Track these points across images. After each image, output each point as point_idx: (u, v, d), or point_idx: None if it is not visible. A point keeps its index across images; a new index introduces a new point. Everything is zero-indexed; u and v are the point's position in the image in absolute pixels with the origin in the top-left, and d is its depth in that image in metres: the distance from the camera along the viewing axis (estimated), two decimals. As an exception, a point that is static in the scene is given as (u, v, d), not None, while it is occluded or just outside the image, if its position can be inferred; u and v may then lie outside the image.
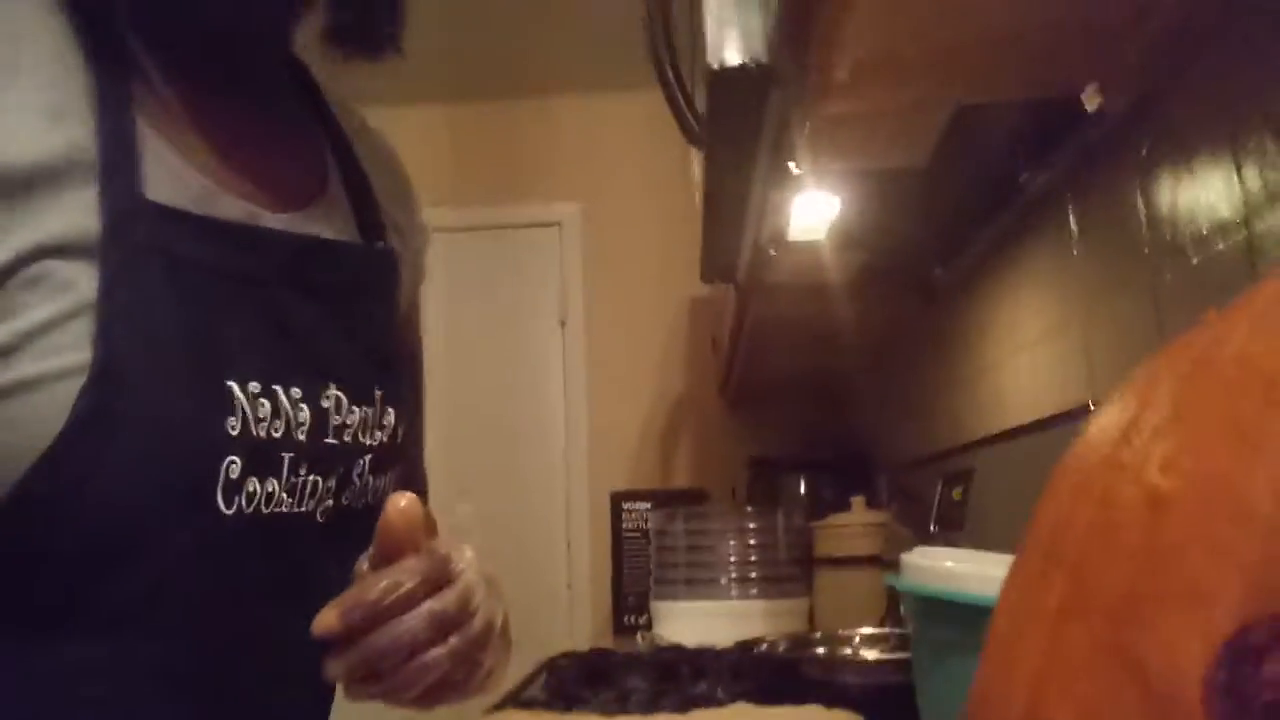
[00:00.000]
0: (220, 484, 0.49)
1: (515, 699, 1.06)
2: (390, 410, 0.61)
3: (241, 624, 0.54)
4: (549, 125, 2.98)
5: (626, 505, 2.15)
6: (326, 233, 0.59)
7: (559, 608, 2.73)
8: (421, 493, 0.74)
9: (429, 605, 0.49)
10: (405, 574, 0.49)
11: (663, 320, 2.90)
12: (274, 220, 0.56)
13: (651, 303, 2.89)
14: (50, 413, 0.44)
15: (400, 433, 0.63)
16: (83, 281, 0.46)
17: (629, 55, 2.28)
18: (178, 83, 0.54)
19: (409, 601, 0.48)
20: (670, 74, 1.04)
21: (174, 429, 0.48)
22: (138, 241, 0.48)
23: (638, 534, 2.11)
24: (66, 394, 0.45)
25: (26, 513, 0.45)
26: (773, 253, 1.36)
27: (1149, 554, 0.21)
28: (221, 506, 0.49)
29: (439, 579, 0.50)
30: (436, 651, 0.49)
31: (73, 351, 0.45)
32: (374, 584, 0.48)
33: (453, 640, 0.50)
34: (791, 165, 1.00)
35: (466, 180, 2.86)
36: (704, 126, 0.95)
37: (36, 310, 0.45)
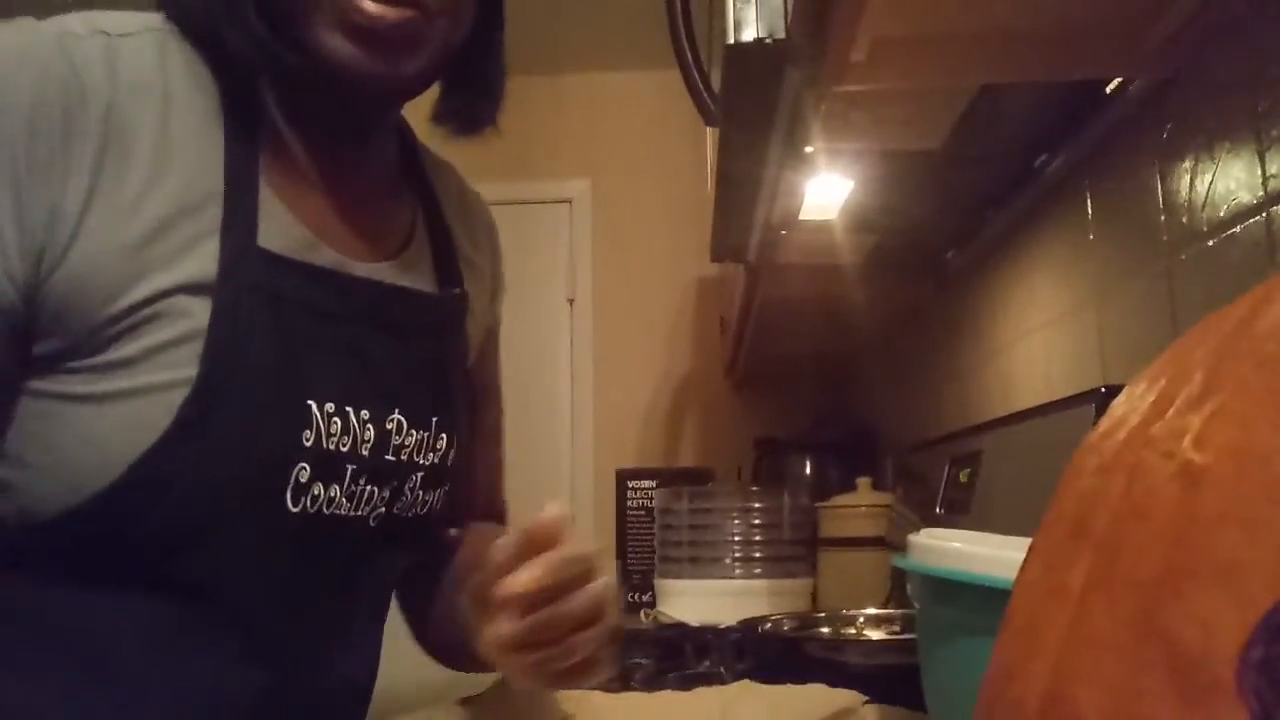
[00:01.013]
0: (290, 486, 0.58)
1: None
2: (444, 436, 0.69)
3: (297, 603, 0.62)
4: (560, 102, 2.96)
5: (632, 483, 2.15)
6: (406, 282, 0.68)
7: (563, 584, 2.75)
8: (500, 516, 0.86)
9: (590, 589, 0.55)
10: (574, 561, 0.55)
11: (671, 299, 2.89)
12: (362, 269, 0.65)
13: (660, 281, 2.89)
14: (159, 415, 0.53)
15: (451, 456, 0.71)
16: (198, 312, 0.55)
17: (641, 34, 2.26)
18: (301, 142, 0.63)
19: (575, 583, 0.55)
20: (688, 53, 1.04)
21: (257, 438, 0.56)
22: (247, 282, 0.57)
23: (643, 512, 2.11)
24: (172, 402, 0.54)
25: (129, 495, 0.53)
26: (784, 233, 1.35)
27: (1182, 528, 0.20)
28: (289, 505, 0.58)
29: (590, 571, 0.56)
30: (591, 632, 0.56)
31: (183, 368, 0.54)
32: (551, 562, 0.54)
33: (600, 626, 0.57)
34: (807, 147, 0.99)
35: (476, 156, 2.84)
36: (719, 104, 0.94)
37: (159, 333, 0.54)
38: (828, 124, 0.97)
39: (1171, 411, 0.22)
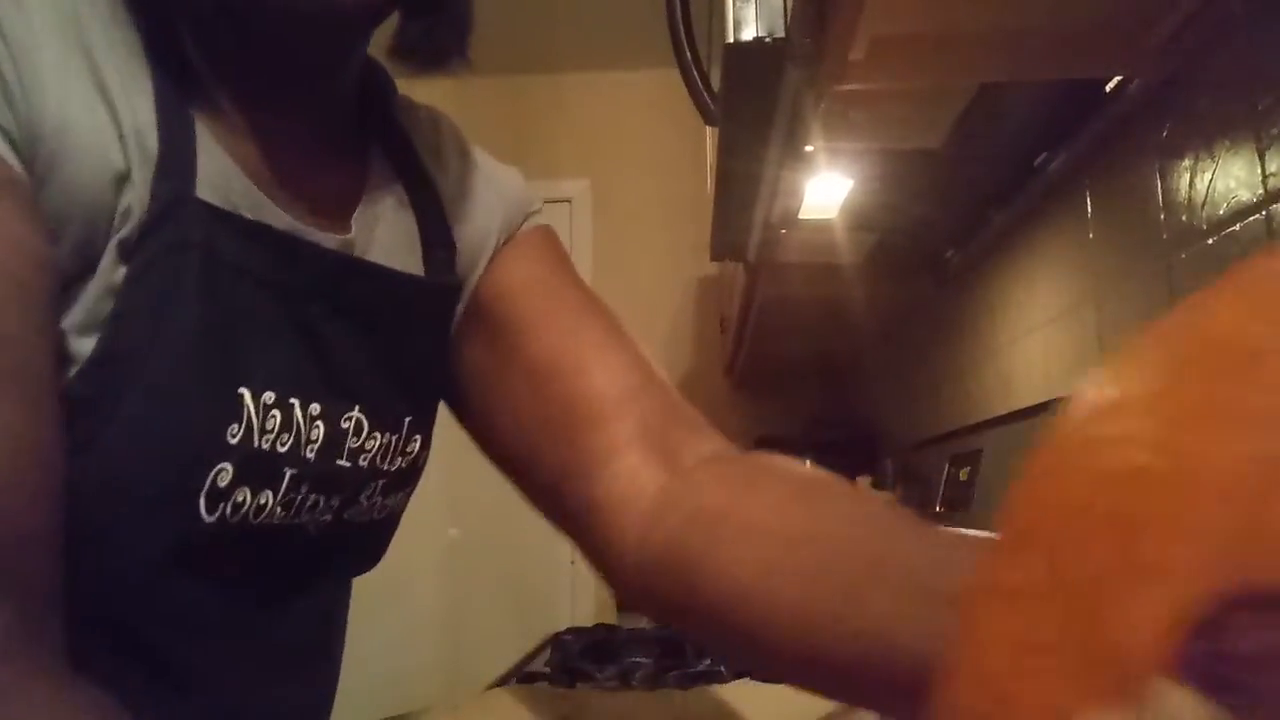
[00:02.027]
0: (205, 490, 0.47)
1: (519, 674, 1.06)
2: (417, 438, 0.59)
3: (215, 628, 0.52)
4: (560, 102, 2.97)
5: (632, 482, 2.16)
6: (378, 258, 0.56)
7: (563, 584, 2.75)
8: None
9: None
10: None
11: (671, 299, 2.89)
12: (322, 238, 0.53)
13: (660, 281, 2.89)
14: None
15: (423, 459, 0.60)
16: (114, 270, 0.44)
17: (641, 34, 2.26)
18: (235, 93, 0.52)
19: None
20: (688, 52, 1.04)
21: (166, 428, 0.46)
22: (178, 237, 0.46)
23: (643, 511, 2.11)
24: (64, 377, 0.43)
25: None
26: (784, 232, 1.35)
27: (1119, 530, 0.20)
28: (203, 513, 0.47)
29: None
30: None
31: (82, 335, 0.44)
32: None
33: None
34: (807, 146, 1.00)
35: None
36: (719, 103, 0.94)
37: (73, 287, 0.44)
38: (827, 123, 0.97)
39: (1119, 414, 0.22)
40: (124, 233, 0.45)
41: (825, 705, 0.73)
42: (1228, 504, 0.19)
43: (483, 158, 0.68)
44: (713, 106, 1.02)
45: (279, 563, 0.53)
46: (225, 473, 0.47)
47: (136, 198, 0.45)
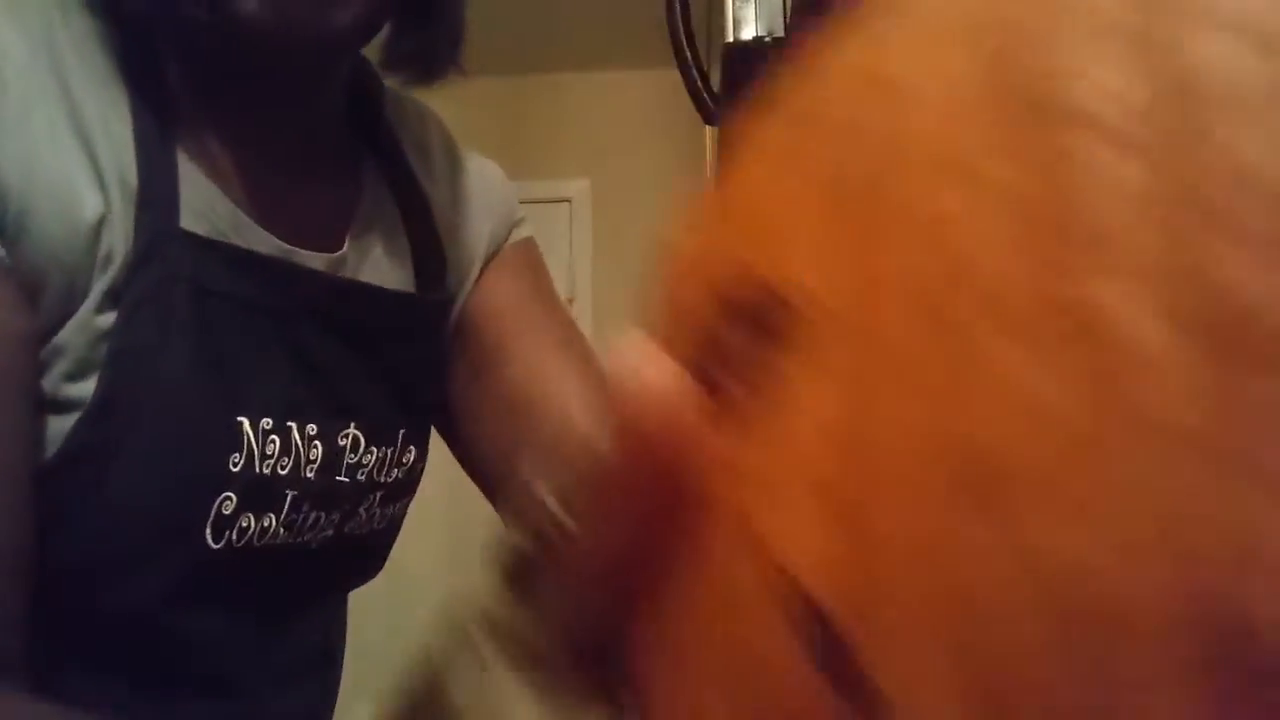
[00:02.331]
0: (210, 519, 0.48)
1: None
2: (412, 449, 0.59)
3: (220, 645, 0.53)
4: (560, 102, 2.97)
5: (632, 482, 2.16)
6: (367, 276, 0.56)
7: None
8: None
9: None
10: None
11: (671, 298, 2.90)
12: (309, 258, 0.53)
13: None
14: (50, 432, 0.44)
15: (419, 468, 0.61)
16: (104, 313, 0.44)
17: (641, 34, 2.26)
18: (217, 114, 0.51)
19: None
20: (687, 52, 1.04)
21: (171, 465, 0.46)
22: (165, 272, 0.46)
23: (643, 511, 2.12)
24: (65, 420, 0.44)
25: None
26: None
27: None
28: (209, 541, 0.48)
29: None
30: None
31: (79, 379, 0.44)
32: None
33: None
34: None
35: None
36: (719, 103, 0.95)
37: (64, 333, 0.44)
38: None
39: None
40: (109, 278, 0.44)
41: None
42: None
43: (468, 157, 0.67)
44: (713, 106, 1.02)
45: (283, 581, 0.54)
46: (229, 501, 0.48)
47: (119, 236, 0.45)
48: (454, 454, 0.65)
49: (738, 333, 0.19)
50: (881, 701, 0.15)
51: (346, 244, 0.55)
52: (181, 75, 0.50)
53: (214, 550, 0.48)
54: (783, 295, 0.18)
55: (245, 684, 0.54)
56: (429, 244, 0.60)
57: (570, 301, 2.91)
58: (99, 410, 0.44)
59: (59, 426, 0.44)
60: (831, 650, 0.16)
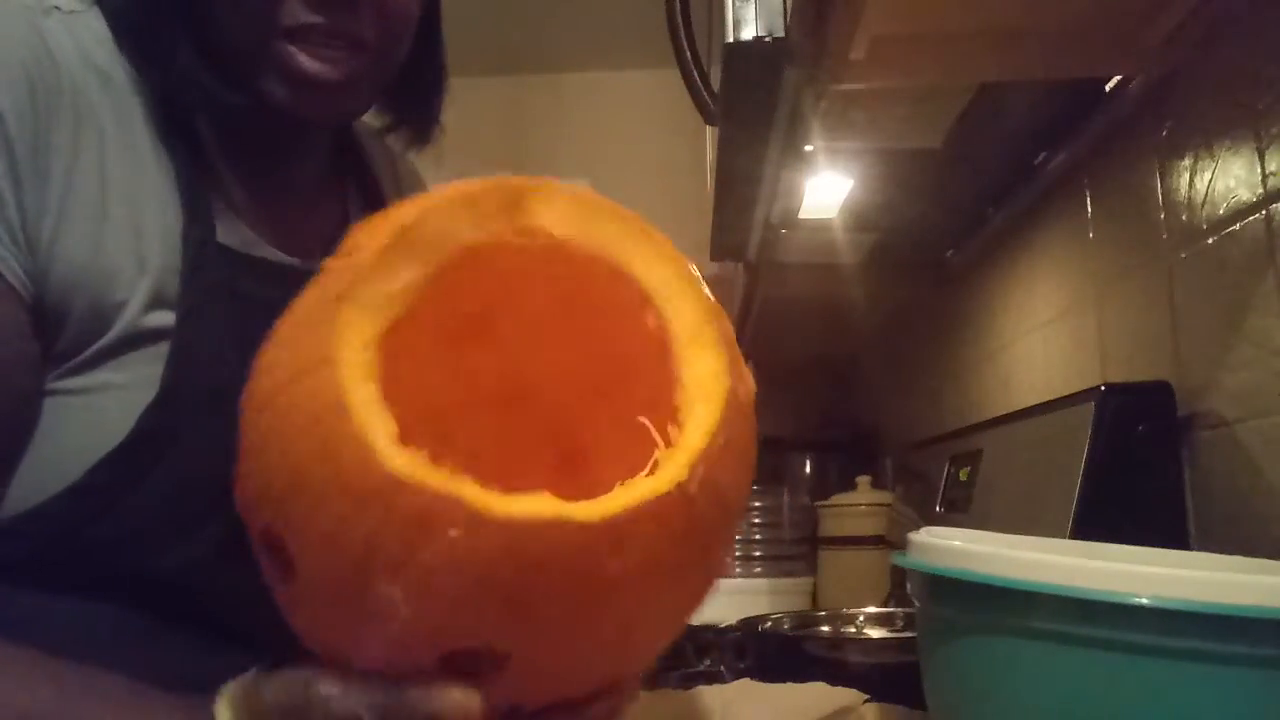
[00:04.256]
0: None
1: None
2: None
3: (260, 598, 0.58)
4: (560, 102, 2.97)
5: (632, 482, 2.16)
6: None
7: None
8: None
9: None
10: None
11: (671, 298, 2.89)
12: (309, 268, 0.63)
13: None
14: (118, 417, 0.52)
15: None
16: (166, 320, 0.54)
17: (641, 33, 2.26)
18: (235, 163, 0.62)
19: None
20: (687, 52, 1.04)
21: (219, 444, 0.53)
22: (210, 281, 0.55)
23: (643, 511, 2.11)
24: (133, 406, 0.52)
25: (87, 498, 0.52)
26: (784, 232, 1.35)
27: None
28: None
29: None
30: None
31: (143, 368, 0.53)
32: None
33: None
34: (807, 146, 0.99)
35: (475, 156, 2.85)
36: (718, 103, 0.94)
37: (125, 330, 0.53)
38: (827, 122, 0.97)
39: None
40: (154, 283, 0.54)
41: (823, 706, 0.73)
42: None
43: (424, 181, 0.82)
44: (713, 106, 1.02)
45: None
46: None
47: (155, 251, 0.54)
48: None
49: None
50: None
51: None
52: (209, 133, 0.61)
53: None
54: None
55: (271, 638, 0.59)
56: None
57: (570, 301, 2.90)
58: (164, 398, 0.53)
59: (127, 406, 0.52)
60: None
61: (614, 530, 0.35)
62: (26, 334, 0.51)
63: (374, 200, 0.72)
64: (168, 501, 0.54)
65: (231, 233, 0.59)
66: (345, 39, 0.56)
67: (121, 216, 0.54)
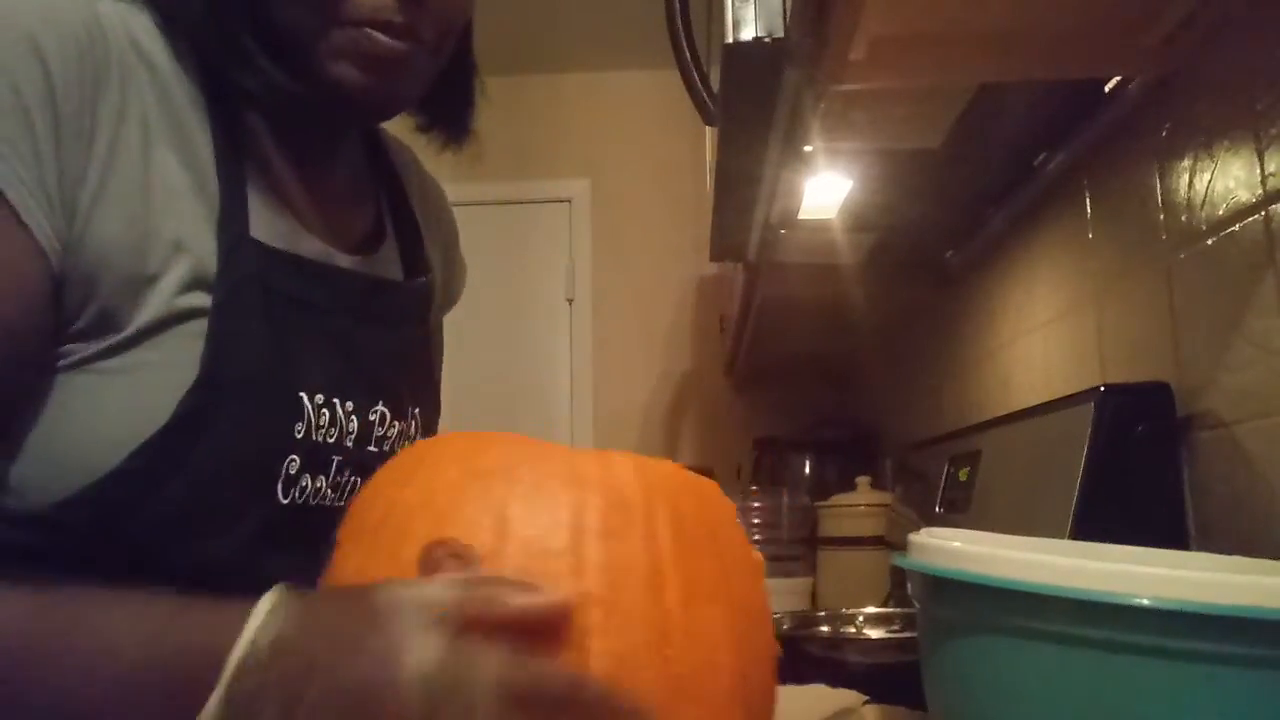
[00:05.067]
0: (281, 478, 0.58)
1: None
2: (422, 428, 0.72)
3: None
4: (560, 102, 2.97)
5: (632, 483, 2.16)
6: (382, 273, 0.70)
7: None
8: None
9: None
10: None
11: (671, 299, 2.89)
12: (345, 260, 0.66)
13: (660, 281, 2.89)
14: (159, 400, 0.53)
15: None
16: (199, 300, 0.55)
17: (641, 34, 2.26)
18: (282, 153, 0.64)
19: None
20: (687, 52, 1.04)
21: (254, 430, 0.57)
22: (243, 274, 0.57)
23: (643, 511, 2.11)
24: (173, 391, 0.53)
25: (124, 485, 0.53)
26: (783, 232, 1.35)
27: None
28: (280, 496, 0.58)
29: None
30: None
31: (183, 351, 0.54)
32: None
33: None
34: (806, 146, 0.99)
35: (476, 156, 2.85)
36: (718, 103, 0.94)
37: (164, 312, 0.54)
38: (827, 123, 0.97)
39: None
40: (192, 265, 0.55)
41: (823, 706, 0.73)
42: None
43: (436, 183, 0.86)
44: (712, 106, 1.02)
45: (326, 539, 0.64)
46: (294, 462, 0.59)
47: (192, 235, 0.56)
48: None
49: None
50: None
51: (374, 252, 0.70)
52: (261, 124, 0.63)
53: (283, 505, 0.59)
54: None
55: None
56: (417, 253, 0.76)
57: (570, 303, 2.90)
58: (202, 384, 0.54)
59: (168, 388, 0.53)
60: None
61: None
62: (48, 305, 0.51)
63: (401, 204, 0.76)
64: (208, 488, 0.55)
65: (272, 225, 0.61)
66: (409, 32, 0.59)
67: (161, 199, 0.54)
